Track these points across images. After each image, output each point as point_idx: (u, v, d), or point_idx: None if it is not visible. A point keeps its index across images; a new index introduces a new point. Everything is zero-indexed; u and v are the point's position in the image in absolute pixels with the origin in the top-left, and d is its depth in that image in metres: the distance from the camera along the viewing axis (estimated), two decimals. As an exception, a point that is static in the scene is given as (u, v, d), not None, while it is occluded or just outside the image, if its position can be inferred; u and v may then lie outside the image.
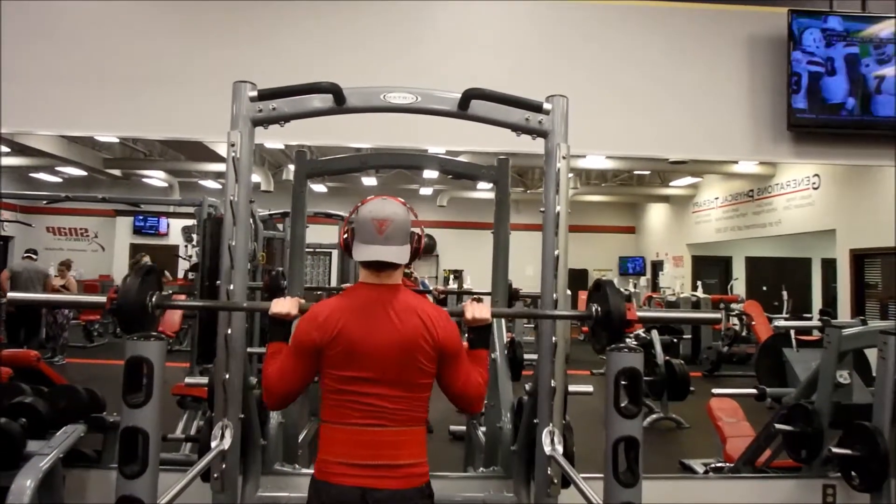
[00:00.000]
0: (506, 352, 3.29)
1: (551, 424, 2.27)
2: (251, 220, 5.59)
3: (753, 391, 3.99)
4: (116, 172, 10.14)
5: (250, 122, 2.28)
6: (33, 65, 3.34)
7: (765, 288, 10.11)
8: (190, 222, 7.83)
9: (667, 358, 5.90)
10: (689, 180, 11.51)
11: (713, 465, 4.28)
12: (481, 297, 5.86)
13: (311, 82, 2.20)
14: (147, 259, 8.28)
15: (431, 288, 8.83)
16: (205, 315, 4.87)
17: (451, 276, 12.13)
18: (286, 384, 1.84)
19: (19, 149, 10.38)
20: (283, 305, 1.91)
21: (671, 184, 11.85)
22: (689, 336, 8.26)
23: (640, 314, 2.02)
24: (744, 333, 8.83)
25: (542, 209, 2.37)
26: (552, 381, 2.30)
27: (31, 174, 12.30)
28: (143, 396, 1.59)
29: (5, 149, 10.66)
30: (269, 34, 3.37)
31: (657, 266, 13.25)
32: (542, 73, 3.39)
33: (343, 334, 1.78)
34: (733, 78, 3.45)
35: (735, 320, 9.24)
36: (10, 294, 1.71)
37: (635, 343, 6.17)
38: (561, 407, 2.32)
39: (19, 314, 7.59)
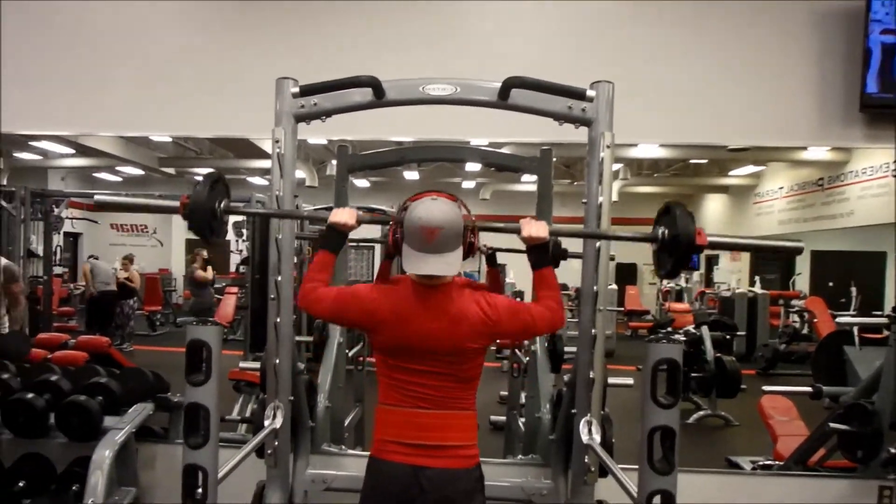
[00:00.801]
0: (546, 344, 3.28)
1: (589, 415, 2.27)
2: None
3: (808, 389, 3.87)
4: (170, 171, 10.59)
5: (293, 118, 2.34)
6: (90, 70, 3.51)
7: (831, 284, 9.49)
8: (240, 218, 8.10)
9: (717, 354, 5.76)
10: (750, 169, 10.87)
11: (761, 463, 4.17)
12: (522, 292, 5.86)
13: (351, 77, 2.23)
14: (205, 254, 8.66)
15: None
16: (257, 306, 5.05)
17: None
18: (328, 308, 1.92)
19: (82, 150, 10.92)
20: (342, 215, 1.94)
21: (731, 173, 11.27)
22: (744, 333, 8.00)
23: (711, 239, 1.91)
24: (804, 331, 8.48)
25: (584, 200, 2.34)
26: (591, 373, 2.30)
27: (94, 174, 12.96)
28: (203, 376, 1.70)
29: (70, 150, 11.25)
30: (310, 30, 3.44)
31: (712, 260, 12.82)
32: (587, 59, 3.31)
33: (394, 325, 1.83)
34: (800, 56, 3.24)
35: (795, 317, 8.90)
36: (97, 197, 1.80)
37: (684, 339, 6.09)
38: (599, 398, 2.31)
39: (96, 304, 8.04)
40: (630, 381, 2.98)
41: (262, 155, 9.67)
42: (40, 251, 7.33)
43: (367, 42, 3.41)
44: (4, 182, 10.23)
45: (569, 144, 3.39)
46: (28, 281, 6.72)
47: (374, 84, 2.23)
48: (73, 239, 13.39)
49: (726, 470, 4.08)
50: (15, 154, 11.78)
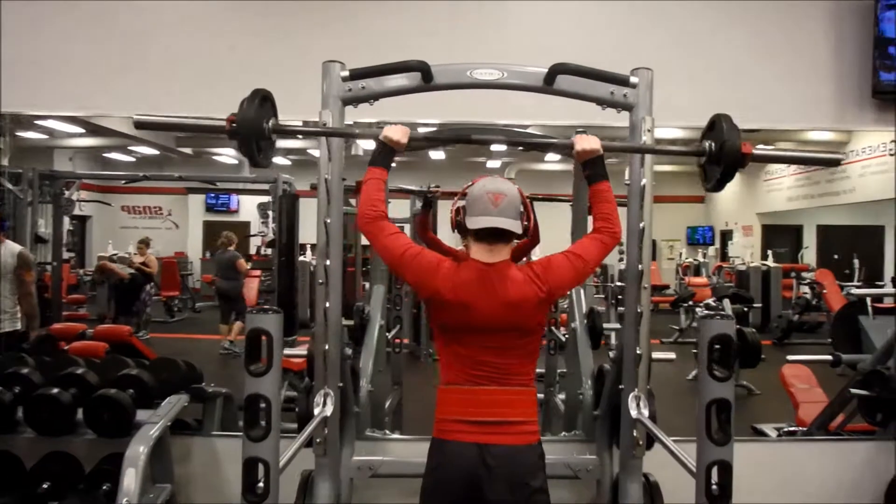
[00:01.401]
0: (585, 321, 3.35)
1: (636, 389, 2.34)
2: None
3: (829, 357, 3.96)
4: (188, 151, 10.41)
5: (340, 101, 2.34)
6: (107, 48, 3.41)
7: (836, 256, 9.80)
8: (265, 199, 8.00)
9: (738, 326, 5.80)
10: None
11: (785, 430, 4.29)
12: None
13: (401, 61, 2.25)
14: (232, 235, 8.30)
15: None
16: (284, 289, 5.08)
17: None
18: (390, 245, 1.92)
19: (93, 129, 10.49)
20: (395, 132, 1.98)
21: (742, 153, 11.46)
22: (760, 305, 8.12)
23: (756, 151, 2.00)
24: (815, 302, 8.60)
25: (626, 182, 2.40)
26: (637, 349, 2.36)
27: (105, 154, 12.68)
28: (265, 366, 1.68)
29: (79, 129, 10.98)
30: (340, 15, 3.41)
31: (726, 236, 12.94)
32: (611, 45, 3.32)
33: (456, 305, 1.86)
34: (815, 42, 3.32)
35: (806, 289, 9.01)
36: (136, 116, 1.71)
37: (706, 311, 6.15)
38: (645, 373, 2.38)
39: (121, 290, 7.96)
40: (672, 355, 3.06)
41: (285, 135, 9.58)
42: (48, 236, 7.04)
43: (407, 26, 3.38)
44: (5, 163, 10.01)
45: (595, 127, 3.41)
46: (36, 268, 6.61)
47: (424, 69, 2.26)
48: (80, 222, 13.22)
49: (753, 438, 4.18)
50: (19, 133, 11.37)
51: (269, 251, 7.71)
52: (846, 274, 8.81)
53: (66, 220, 8.91)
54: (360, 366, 3.11)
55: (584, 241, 1.99)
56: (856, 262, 8.90)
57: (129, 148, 11.82)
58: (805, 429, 4.06)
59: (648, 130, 2.31)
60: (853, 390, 3.34)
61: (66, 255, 12.52)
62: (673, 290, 11.67)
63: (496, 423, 1.85)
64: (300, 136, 5.66)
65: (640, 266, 2.36)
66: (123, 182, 12.14)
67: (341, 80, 2.32)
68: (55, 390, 2.91)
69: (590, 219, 3.16)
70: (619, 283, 9.57)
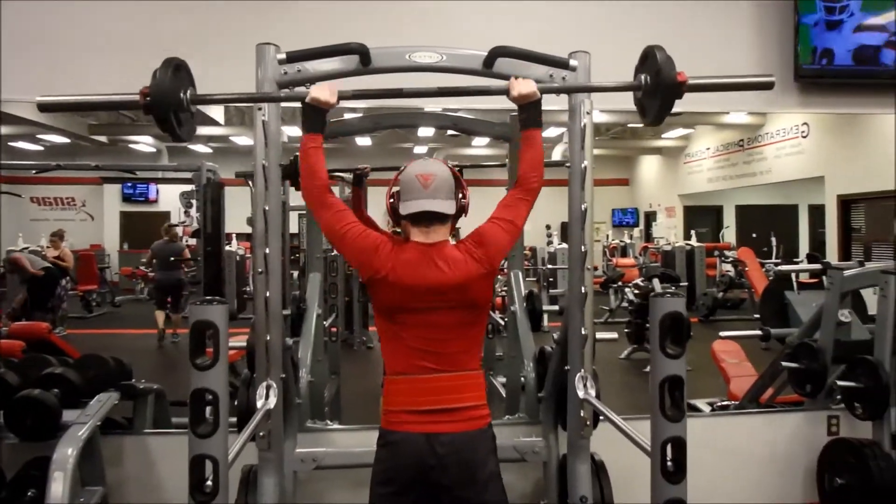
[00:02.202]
0: (524, 304, 3.38)
1: (583, 370, 2.36)
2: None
3: (759, 332, 4.14)
4: (102, 139, 9.88)
5: (276, 84, 2.26)
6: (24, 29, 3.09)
7: (754, 235, 10.33)
8: (187, 188, 7.73)
9: (666, 305, 6.03)
10: (680, 132, 11.58)
11: (718, 404, 4.46)
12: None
13: (339, 44, 2.19)
14: (178, 231, 8.09)
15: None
16: (209, 281, 4.88)
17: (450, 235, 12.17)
18: (333, 217, 1.88)
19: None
20: (322, 91, 1.89)
21: (663, 136, 11.91)
22: (686, 283, 8.46)
23: (692, 81, 1.97)
24: (737, 280, 9.03)
25: (567, 164, 2.42)
26: (583, 329, 2.39)
27: (11, 143, 11.93)
28: (212, 359, 1.61)
29: (-18, 119, 10.32)
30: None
31: (650, 217, 13.42)
32: (540, 28, 3.27)
33: (397, 281, 1.81)
34: (740, 28, 3.42)
35: (729, 267, 9.44)
36: (40, 99, 1.53)
37: (636, 291, 6.36)
38: (591, 354, 2.41)
39: (35, 285, 7.51)
40: (615, 335, 3.13)
41: (206, 121, 9.21)
42: None
43: (344, 7, 3.26)
44: None
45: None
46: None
47: (362, 51, 2.20)
48: (-12, 213, 12.42)
49: (689, 413, 4.31)
50: None
51: (193, 241, 7.43)
52: (765, 251, 9.30)
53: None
54: (298, 356, 3.04)
55: (507, 202, 1.96)
56: (773, 239, 9.39)
57: (37, 136, 11.17)
58: (737, 402, 4.23)
59: (587, 112, 2.34)
60: (784, 363, 3.49)
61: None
62: (601, 272, 12.05)
63: (444, 410, 1.82)
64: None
65: (583, 247, 2.39)
66: (34, 172, 11.44)
67: (277, 63, 2.23)
68: None
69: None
70: (549, 266, 9.80)
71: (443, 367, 1.84)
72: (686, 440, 1.69)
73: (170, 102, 1.87)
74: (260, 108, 2.27)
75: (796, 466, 3.29)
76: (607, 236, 13.04)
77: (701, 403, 4.55)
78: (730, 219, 11.50)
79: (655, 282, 6.09)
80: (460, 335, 1.87)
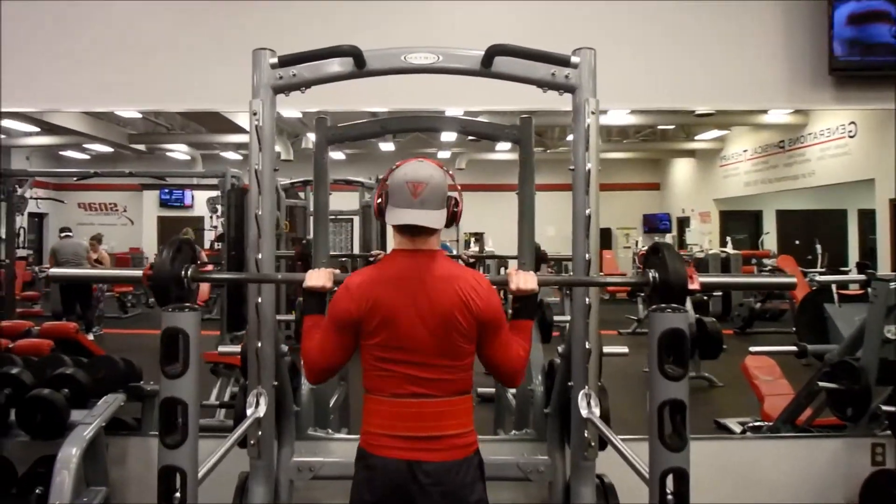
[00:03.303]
0: (535, 314, 3.25)
1: (587, 387, 2.24)
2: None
3: (793, 348, 3.90)
4: (141, 147, 10.24)
5: (271, 89, 2.25)
6: (53, 42, 3.33)
7: (797, 242, 9.85)
8: (214, 194, 7.89)
9: (698, 315, 5.80)
10: (715, 133, 11.19)
11: (751, 425, 4.20)
12: (507, 259, 5.80)
13: (331, 46, 2.14)
14: (190, 234, 8.52)
15: (457, 252, 8.76)
16: (232, 285, 4.94)
17: (472, 239, 12.07)
18: (328, 359, 1.82)
19: (48, 128, 10.47)
20: (317, 278, 1.89)
21: (696, 137, 11.55)
22: (721, 293, 8.14)
23: (703, 280, 1.89)
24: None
25: (570, 167, 2.30)
26: (587, 343, 2.26)
27: (61, 152, 12.48)
28: (181, 367, 1.58)
29: (35, 128, 10.82)
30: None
31: (683, 223, 13.01)
32: (559, 26, 3.26)
33: (378, 306, 1.74)
34: (768, 21, 3.26)
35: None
36: (52, 270, 1.83)
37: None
38: (596, 369, 2.29)
39: (71, 288, 7.77)
40: (625, 349, 2.97)
41: (236, 129, 9.39)
42: (2, 233, 7.01)
43: (346, 14, 3.27)
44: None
45: (543, 113, 3.32)
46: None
47: (356, 53, 2.15)
48: (38, 220, 12.98)
49: (716, 435, 4.10)
50: None
51: (220, 245, 7.57)
52: (808, 260, 8.84)
53: (25, 217, 8.72)
54: (300, 363, 2.98)
55: (501, 337, 1.84)
56: (818, 247, 8.86)
57: (84, 145, 11.64)
58: (771, 423, 3.98)
59: (593, 112, 2.23)
60: (820, 383, 3.27)
61: (24, 252, 12.27)
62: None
63: (427, 438, 1.74)
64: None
65: (587, 255, 2.27)
66: (75, 179, 11.93)
67: (270, 68, 2.20)
68: None
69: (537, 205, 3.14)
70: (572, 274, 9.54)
71: (426, 390, 1.75)
72: (688, 471, 1.55)
73: (170, 282, 1.93)
74: (255, 114, 2.25)
75: (834, 499, 3.04)
76: (636, 243, 12.74)
77: (732, 423, 4.31)
78: (770, 224, 11.03)
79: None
80: (444, 360, 1.76)
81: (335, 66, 2.22)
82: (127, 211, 13.31)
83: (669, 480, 1.54)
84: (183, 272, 1.96)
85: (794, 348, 3.88)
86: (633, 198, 13.99)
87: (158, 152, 10.54)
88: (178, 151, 10.56)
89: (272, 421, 2.33)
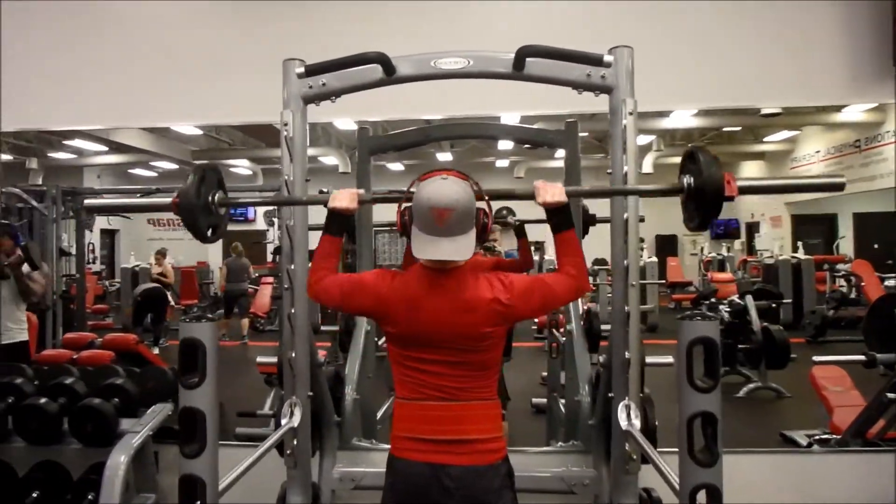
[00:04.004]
0: (582, 323, 3.16)
1: (627, 398, 2.15)
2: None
3: (861, 358, 3.66)
4: (204, 163, 10.65)
5: (301, 99, 2.27)
6: (112, 63, 3.49)
7: (876, 246, 9.30)
8: (272, 207, 8.07)
9: (764, 324, 5.52)
10: (785, 134, 10.73)
11: (818, 437, 3.97)
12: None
13: (358, 53, 2.13)
14: (240, 248, 9.21)
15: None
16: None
17: (533, 248, 11.88)
18: (335, 297, 1.80)
19: (115, 147, 11.10)
20: (342, 199, 1.85)
21: (765, 139, 11.07)
22: (791, 300, 7.74)
23: (741, 184, 1.76)
24: (852, 296, 8.15)
25: (608, 171, 2.22)
26: (626, 353, 2.17)
27: (129, 170, 13.13)
28: (198, 377, 1.58)
29: (104, 147, 11.46)
30: (317, 8, 3.36)
31: (752, 228, 12.47)
32: (606, 25, 3.18)
33: (404, 314, 1.72)
34: (828, 13, 3.09)
35: (842, 282, 8.56)
36: (87, 202, 1.92)
37: (728, 310, 5.86)
38: (637, 379, 2.19)
39: (144, 301, 8.13)
40: (670, 359, 2.82)
41: (289, 142, 9.70)
42: (72, 249, 7.38)
43: (376, 19, 3.29)
44: (39, 181, 10.46)
45: (601, 117, 3.24)
46: (60, 280, 6.82)
47: (383, 60, 2.13)
48: (110, 235, 13.63)
49: (781, 449, 3.90)
50: (50, 154, 12.07)
51: (279, 258, 7.76)
52: (888, 265, 8.32)
53: (96, 233, 9.20)
54: (346, 372, 2.98)
55: (555, 275, 1.80)
56: (899, 251, 8.37)
57: (151, 163, 12.20)
58: (839, 436, 3.75)
59: (630, 113, 2.14)
60: (890, 395, 3.08)
61: (98, 266, 12.94)
62: (695, 287, 11.32)
63: (451, 441, 1.70)
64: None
65: (625, 261, 2.17)
66: (138, 196, 12.44)
67: (298, 78, 2.22)
68: (43, 400, 2.99)
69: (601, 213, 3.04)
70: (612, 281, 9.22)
71: (448, 395, 1.73)
72: (721, 488, 1.45)
73: (197, 207, 1.95)
74: (286, 124, 2.28)
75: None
76: (702, 249, 12.27)
77: (799, 436, 4.07)
78: (846, 228, 10.45)
79: (749, 299, 5.58)
80: (469, 364, 1.74)
81: (365, 74, 2.20)
82: (194, 226, 13.89)
83: (702, 497, 1.44)
84: (210, 198, 1.99)
85: (862, 358, 3.62)
86: (700, 203, 13.52)
87: (220, 168, 10.96)
88: (240, 167, 10.90)
89: (308, 431, 2.32)
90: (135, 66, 3.47)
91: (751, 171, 12.76)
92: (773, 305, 6.20)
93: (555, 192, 1.78)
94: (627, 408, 2.13)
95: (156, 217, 14.39)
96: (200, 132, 9.62)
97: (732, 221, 13.16)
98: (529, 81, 2.20)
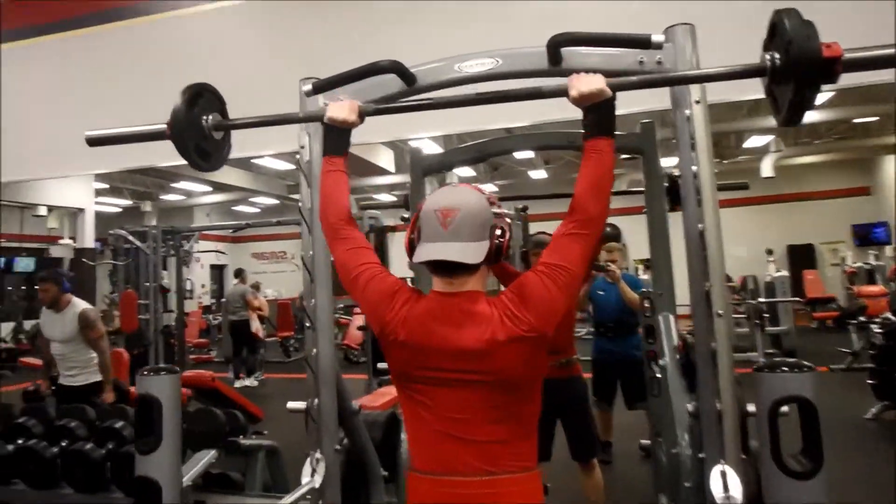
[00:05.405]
0: (677, 356, 2.68)
1: (722, 462, 1.68)
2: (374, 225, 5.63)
3: None
4: (297, 197, 10.94)
5: (318, 118, 2.03)
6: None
7: None
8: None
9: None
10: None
11: None
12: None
13: (369, 63, 1.86)
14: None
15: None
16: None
17: (642, 266, 11.07)
18: (348, 251, 1.55)
19: (218, 186, 11.69)
20: (339, 110, 1.63)
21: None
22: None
23: (850, 56, 1.28)
24: None
25: (677, 173, 1.81)
26: (717, 403, 1.71)
27: (233, 207, 13.83)
28: (153, 441, 1.33)
29: (208, 188, 12.09)
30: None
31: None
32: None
33: (404, 335, 1.40)
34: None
35: None
36: (87, 133, 1.83)
37: (881, 331, 4.91)
38: (735, 436, 1.71)
39: (237, 333, 8.17)
40: (784, 408, 2.28)
41: (377, 171, 9.70)
42: (172, 286, 7.64)
43: (406, 28, 3.09)
44: (153, 223, 11.17)
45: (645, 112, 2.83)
46: (159, 315, 7.07)
47: (398, 69, 1.86)
48: (219, 270, 14.36)
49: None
50: (161, 196, 12.97)
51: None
52: None
53: (200, 268, 9.65)
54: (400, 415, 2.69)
55: (557, 242, 1.42)
56: None
57: (251, 200, 12.76)
58: None
59: (696, 102, 1.75)
60: None
61: (208, 301, 13.59)
62: (837, 304, 10.08)
63: None
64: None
65: (706, 284, 1.73)
66: (231, 231, 12.98)
67: (306, 96, 2.02)
68: (88, 446, 2.88)
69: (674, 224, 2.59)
70: (764, 300, 8.10)
71: (473, 463, 1.35)
72: None
73: (188, 130, 1.76)
74: (302, 147, 2.09)
75: None
76: (843, 259, 10.98)
77: None
78: None
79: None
80: (492, 419, 1.36)
81: (381, 85, 1.95)
82: (295, 258, 14.28)
83: None
84: (203, 120, 1.79)
85: None
86: (837, 206, 12.21)
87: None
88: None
89: (337, 491, 1.99)
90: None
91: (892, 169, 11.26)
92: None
93: (591, 81, 1.43)
94: (723, 475, 1.67)
95: (259, 251, 15.07)
96: (293, 166, 9.85)
97: (879, 226, 11.70)
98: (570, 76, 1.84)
